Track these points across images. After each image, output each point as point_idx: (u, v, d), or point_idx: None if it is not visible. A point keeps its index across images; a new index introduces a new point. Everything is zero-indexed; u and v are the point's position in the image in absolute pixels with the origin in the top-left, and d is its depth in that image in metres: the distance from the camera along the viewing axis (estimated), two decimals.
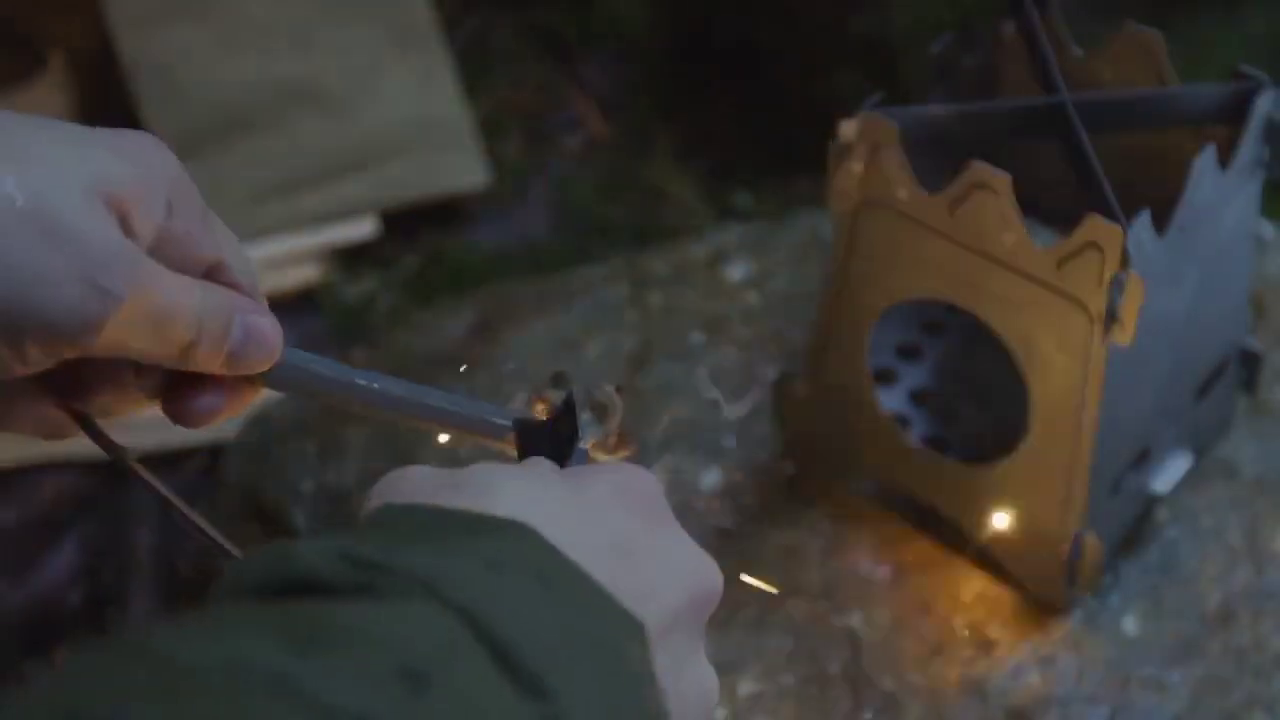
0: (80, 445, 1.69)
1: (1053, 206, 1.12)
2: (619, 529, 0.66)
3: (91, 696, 0.49)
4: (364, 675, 0.51)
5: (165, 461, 1.72)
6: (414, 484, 0.67)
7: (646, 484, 0.71)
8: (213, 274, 0.73)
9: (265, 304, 0.77)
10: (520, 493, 0.65)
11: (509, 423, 0.77)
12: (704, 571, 0.69)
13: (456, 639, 0.55)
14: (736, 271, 1.44)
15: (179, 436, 1.72)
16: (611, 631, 0.61)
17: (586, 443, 0.80)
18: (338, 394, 0.78)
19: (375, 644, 0.52)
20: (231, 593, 0.57)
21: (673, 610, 0.66)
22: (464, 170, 2.05)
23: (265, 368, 0.75)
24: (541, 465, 0.70)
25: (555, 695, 0.55)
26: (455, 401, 0.79)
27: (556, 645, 0.57)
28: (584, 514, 0.66)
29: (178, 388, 0.76)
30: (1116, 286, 0.97)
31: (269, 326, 0.75)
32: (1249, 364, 1.20)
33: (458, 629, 0.55)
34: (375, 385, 0.78)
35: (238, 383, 0.76)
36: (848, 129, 1.05)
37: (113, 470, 1.69)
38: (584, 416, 0.80)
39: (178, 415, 0.76)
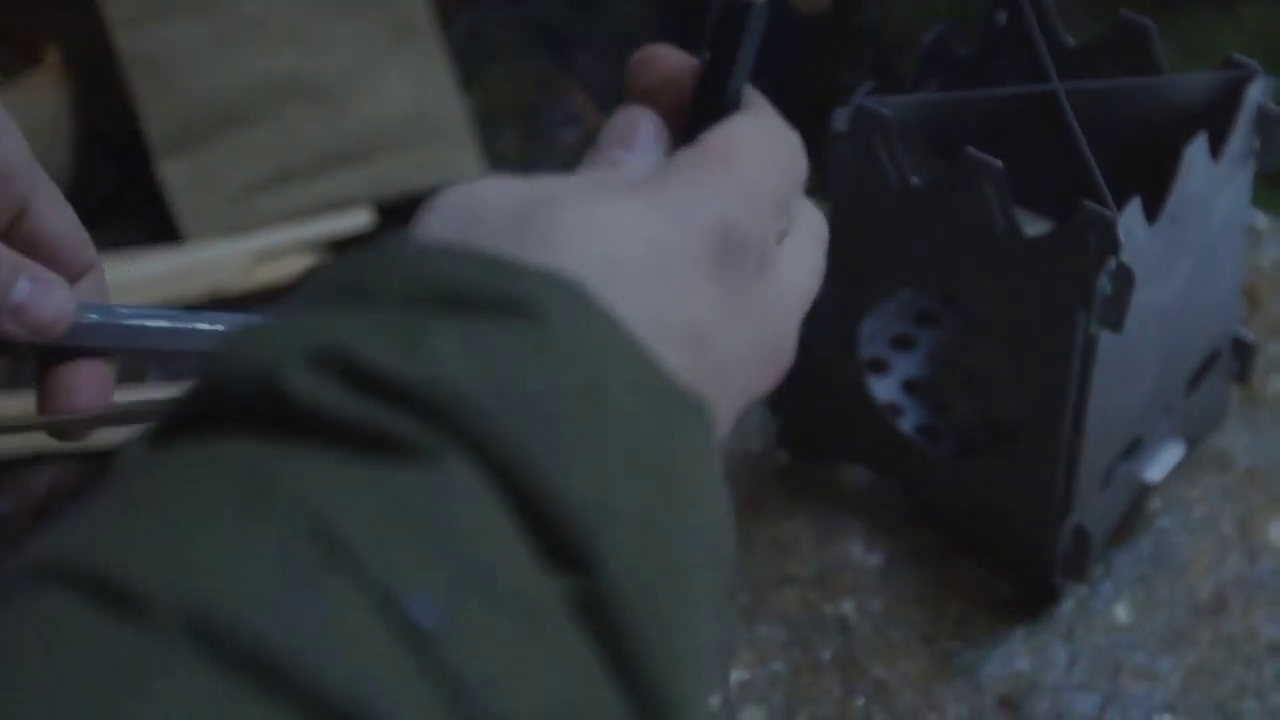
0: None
1: (1044, 196, 1.12)
2: (704, 305, 0.54)
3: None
4: (361, 618, 0.41)
5: None
6: (482, 211, 0.53)
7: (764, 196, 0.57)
8: (13, 229, 0.72)
9: (99, 274, 0.75)
10: (593, 248, 0.52)
11: None
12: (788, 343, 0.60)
13: (486, 519, 0.44)
14: None
15: None
16: (672, 443, 0.49)
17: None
18: (166, 344, 0.74)
19: (366, 575, 0.42)
20: (198, 404, 0.47)
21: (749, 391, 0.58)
22: (458, 164, 2.04)
23: (59, 327, 0.72)
24: (636, 206, 0.54)
25: (598, 565, 0.45)
26: None
27: (606, 487, 0.46)
28: (669, 280, 0.53)
29: (49, 371, 0.74)
30: (1107, 275, 0.97)
31: (56, 284, 0.72)
32: (1242, 354, 1.20)
33: (488, 499, 0.44)
34: (218, 327, 0.73)
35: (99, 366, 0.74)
36: (840, 118, 1.06)
37: (106, 464, 1.70)
38: None
39: (46, 401, 0.74)
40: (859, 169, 1.06)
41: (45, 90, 1.87)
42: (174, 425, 0.47)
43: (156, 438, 0.47)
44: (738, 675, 1.08)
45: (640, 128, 0.62)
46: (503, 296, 0.48)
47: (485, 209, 0.53)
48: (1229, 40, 2.33)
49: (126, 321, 0.74)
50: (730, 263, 0.55)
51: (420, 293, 0.48)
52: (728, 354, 0.55)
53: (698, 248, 0.54)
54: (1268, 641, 1.09)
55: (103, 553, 0.42)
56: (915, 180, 1.04)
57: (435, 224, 0.54)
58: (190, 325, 0.75)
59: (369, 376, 0.45)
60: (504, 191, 0.54)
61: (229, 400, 0.46)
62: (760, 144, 0.59)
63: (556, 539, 0.45)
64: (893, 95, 1.07)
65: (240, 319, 0.73)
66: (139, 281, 1.82)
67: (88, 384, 0.76)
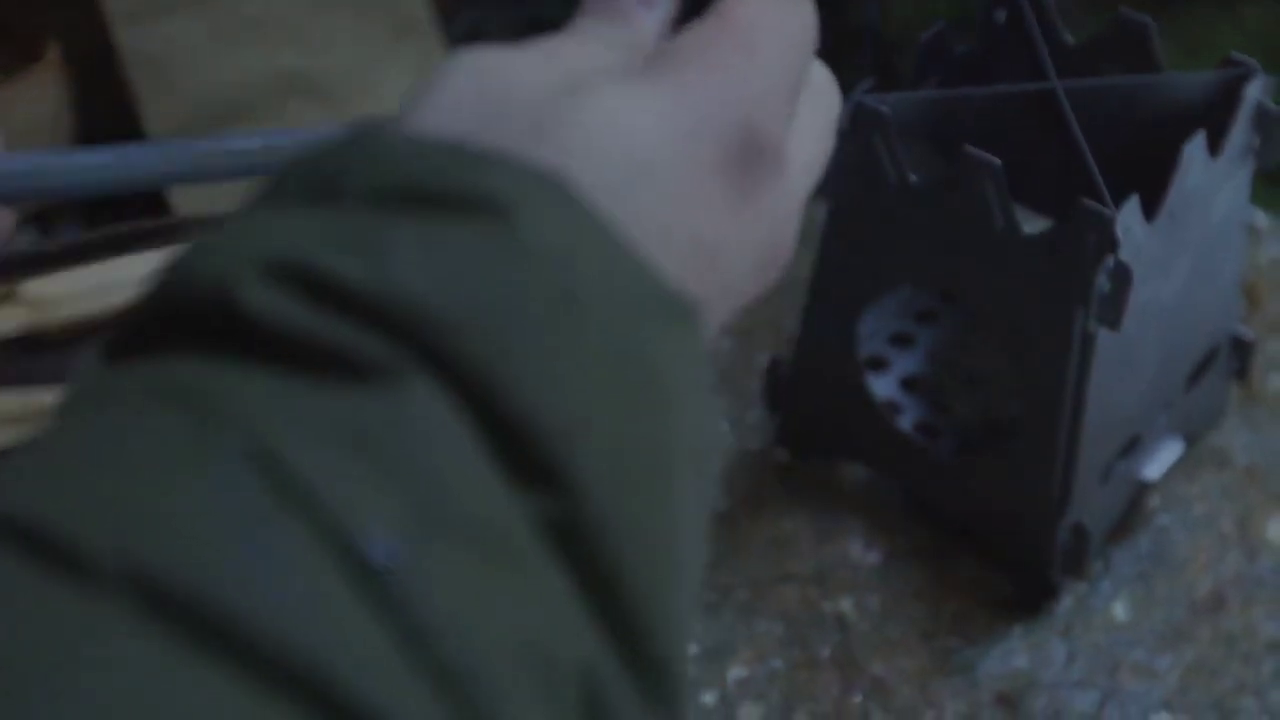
0: None
1: (1043, 193, 1.12)
2: (718, 215, 0.51)
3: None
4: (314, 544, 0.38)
5: None
6: (505, 102, 0.49)
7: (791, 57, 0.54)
8: None
9: None
10: (613, 152, 0.48)
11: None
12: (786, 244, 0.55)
13: (451, 444, 0.40)
14: None
15: None
16: (655, 352, 0.45)
17: None
18: (80, 187, 0.67)
19: (315, 504, 0.38)
20: (151, 317, 0.43)
21: (747, 295, 0.54)
22: None
23: None
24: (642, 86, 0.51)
25: (573, 487, 0.41)
26: (267, 139, 0.62)
27: (581, 402, 0.42)
28: (686, 188, 0.50)
29: None
30: (1105, 273, 0.97)
31: None
32: (1241, 352, 1.20)
33: (453, 421, 0.40)
34: (135, 159, 0.65)
35: None
36: (839, 116, 1.05)
37: None
38: None
39: None
40: (858, 166, 1.06)
41: (45, 88, 1.87)
42: (126, 338, 0.43)
43: (110, 354, 0.43)
44: (736, 672, 1.08)
45: None
46: (471, 192, 0.43)
47: (508, 100, 0.49)
48: (1229, 38, 2.33)
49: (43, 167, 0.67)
50: (749, 167, 0.52)
51: (387, 189, 0.43)
52: (733, 263, 0.52)
53: (721, 152, 0.51)
54: (1266, 639, 1.09)
55: (38, 501, 0.39)
56: (914, 178, 1.04)
57: (448, 105, 0.49)
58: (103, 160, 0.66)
59: (327, 288, 0.41)
60: (529, 80, 0.50)
61: (180, 313, 0.42)
62: (780, 19, 0.55)
63: (527, 460, 0.41)
64: (891, 93, 1.07)
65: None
66: (139, 280, 1.83)
67: None
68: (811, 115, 0.57)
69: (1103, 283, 0.98)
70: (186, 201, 1.91)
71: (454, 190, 0.43)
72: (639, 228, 0.47)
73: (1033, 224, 1.15)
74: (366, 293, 0.41)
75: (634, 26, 0.56)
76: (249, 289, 0.40)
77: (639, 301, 0.45)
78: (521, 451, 0.41)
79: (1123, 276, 0.97)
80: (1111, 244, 0.96)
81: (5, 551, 0.37)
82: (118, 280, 1.81)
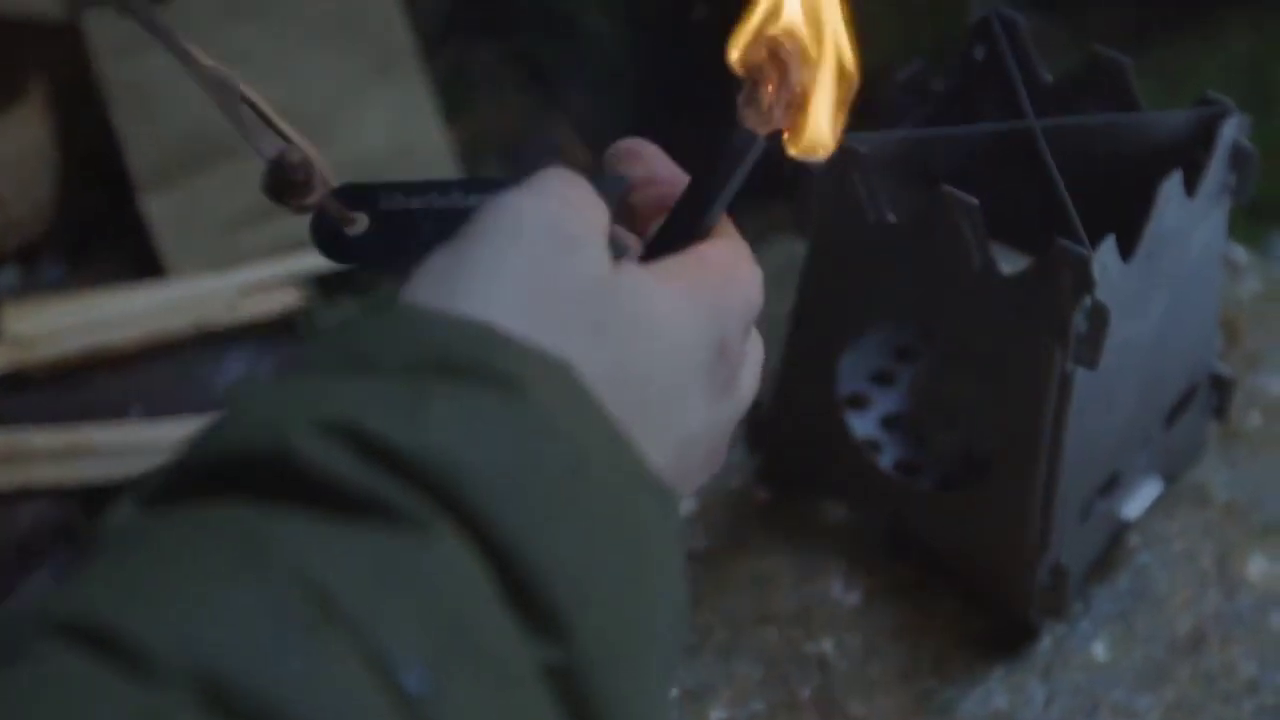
0: (58, 473, 1.69)
1: (1022, 230, 1.12)
2: (696, 414, 0.59)
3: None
4: (348, 675, 0.44)
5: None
6: (505, 266, 0.55)
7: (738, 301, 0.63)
8: None
9: None
10: (601, 345, 0.55)
11: None
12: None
13: (473, 588, 0.47)
14: None
15: (157, 464, 1.72)
16: (653, 533, 0.53)
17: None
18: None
19: (358, 634, 0.44)
20: (203, 465, 0.48)
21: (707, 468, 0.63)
22: None
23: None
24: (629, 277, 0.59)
25: (572, 637, 0.48)
26: None
27: (584, 565, 0.49)
28: (679, 392, 0.58)
29: None
30: (1082, 312, 0.97)
31: None
32: (1220, 389, 1.20)
33: (475, 568, 0.47)
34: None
35: None
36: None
37: (89, 500, 1.70)
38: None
39: None
40: (836, 205, 1.07)
41: (30, 123, 1.87)
42: (172, 481, 0.49)
43: (153, 493, 0.49)
44: (716, 714, 1.08)
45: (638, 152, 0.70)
46: (497, 372, 0.51)
47: (564, 293, 0.56)
48: (1209, 69, 2.34)
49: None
50: (720, 374, 0.61)
51: (425, 361, 0.50)
52: (695, 455, 0.61)
53: (705, 360, 0.60)
54: (1246, 678, 1.09)
55: (107, 610, 0.43)
56: (892, 217, 1.04)
57: (502, 284, 0.55)
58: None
59: (374, 447, 0.47)
60: (584, 274, 0.57)
61: (234, 461, 0.48)
62: (749, 269, 0.65)
63: (536, 609, 0.48)
64: (870, 131, 1.07)
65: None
66: (122, 316, 1.82)
67: None
68: (754, 352, 0.67)
69: (1080, 322, 0.98)
70: (170, 239, 1.91)
71: (483, 369, 0.51)
72: (641, 418, 0.55)
73: (1011, 260, 1.15)
74: (406, 453, 0.47)
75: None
76: (308, 444, 0.47)
77: (633, 481, 0.53)
78: (532, 600, 0.48)
79: (1100, 316, 0.97)
80: (1088, 284, 0.96)
81: (77, 652, 0.42)
82: (102, 318, 1.81)
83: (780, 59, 0.67)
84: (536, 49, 2.30)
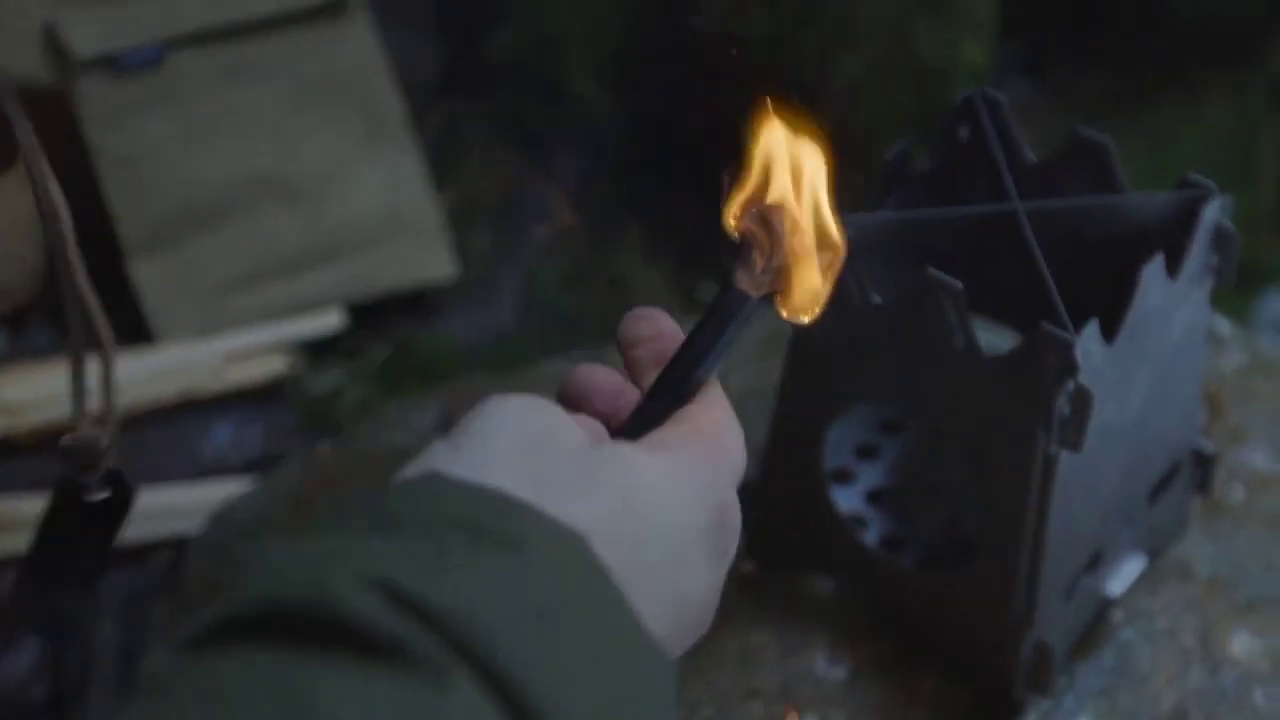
0: None
1: (1005, 307, 1.13)
2: (693, 577, 0.64)
3: None
4: None
5: (129, 557, 1.72)
6: (503, 441, 0.61)
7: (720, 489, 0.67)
8: None
9: None
10: (595, 504, 0.61)
11: None
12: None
13: None
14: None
15: (143, 531, 1.72)
16: (650, 691, 0.58)
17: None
18: None
19: None
20: (245, 613, 0.53)
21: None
22: (433, 262, 2.06)
23: None
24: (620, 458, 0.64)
25: None
26: None
27: (587, 713, 0.55)
28: (678, 556, 0.64)
29: None
30: (1066, 395, 0.98)
31: None
32: (1202, 465, 1.21)
33: (491, 709, 0.52)
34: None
35: None
36: None
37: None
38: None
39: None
40: None
41: (19, 193, 1.88)
42: (210, 628, 0.52)
43: (191, 640, 0.52)
44: None
45: (607, 384, 0.71)
46: (513, 535, 0.56)
47: (552, 454, 0.62)
48: (1190, 136, 2.35)
49: None
50: (720, 539, 0.65)
51: (449, 523, 0.56)
52: (689, 616, 0.65)
53: (705, 526, 0.65)
54: None
55: None
56: (877, 298, 1.05)
57: (498, 452, 0.61)
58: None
59: (405, 600, 0.52)
60: (565, 437, 0.63)
61: (275, 608, 0.52)
62: (735, 433, 0.69)
63: None
64: (854, 213, 1.08)
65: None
66: (109, 386, 1.83)
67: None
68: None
69: (1063, 405, 0.98)
70: (158, 306, 1.92)
71: (499, 531, 0.56)
72: (641, 582, 0.60)
73: (996, 334, 1.16)
74: (433, 607, 0.53)
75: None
76: (348, 595, 0.52)
77: (634, 643, 0.58)
78: None
79: (1083, 400, 0.98)
80: (1072, 368, 0.97)
81: None
82: (90, 385, 1.82)
83: (772, 227, 0.71)
84: (525, 114, 2.31)
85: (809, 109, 0.77)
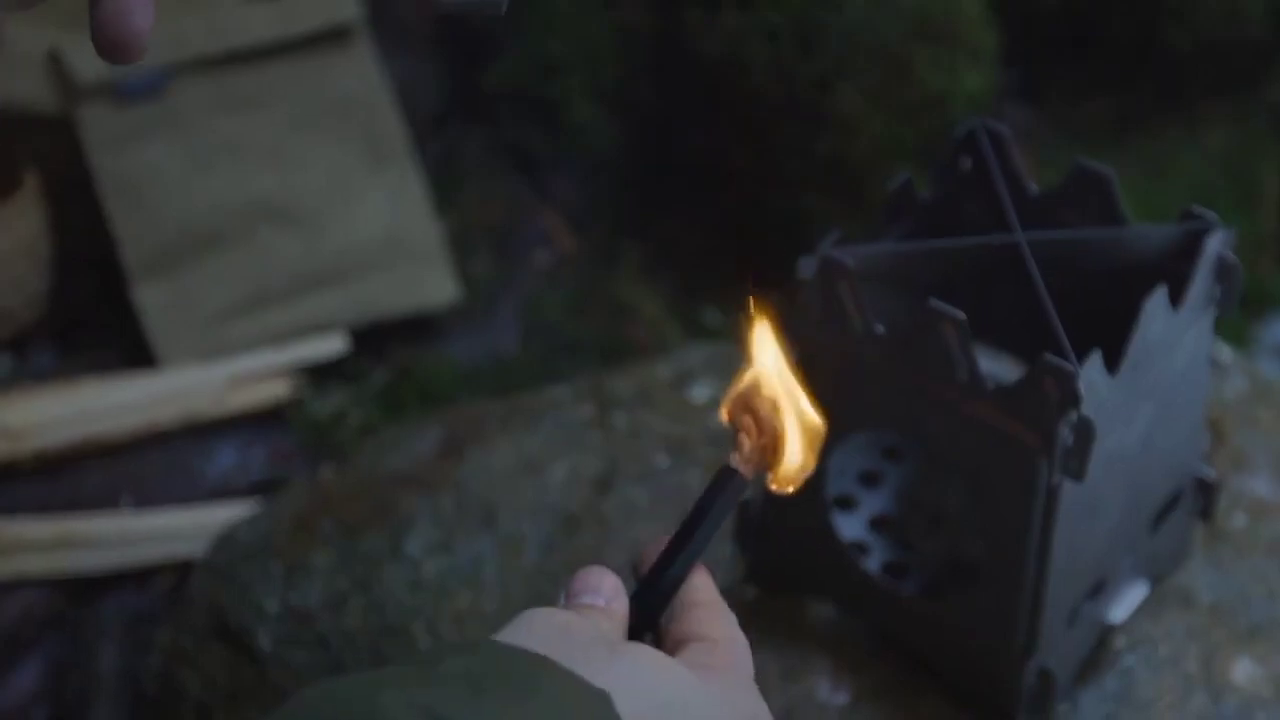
0: (47, 563, 1.70)
1: (1007, 335, 1.14)
2: None
3: None
4: None
5: (132, 580, 1.72)
6: (540, 635, 0.72)
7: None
8: None
9: None
10: (622, 671, 0.71)
11: None
12: None
13: None
14: (701, 392, 1.46)
15: (146, 554, 1.73)
16: None
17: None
18: None
19: None
20: None
21: None
22: (434, 287, 2.06)
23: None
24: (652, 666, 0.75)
25: None
26: None
27: None
28: None
29: None
30: (1069, 427, 0.99)
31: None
32: (1205, 492, 1.21)
33: None
34: None
35: None
36: (805, 267, 1.07)
37: (78, 590, 1.70)
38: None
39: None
40: (824, 315, 1.08)
41: (23, 215, 1.88)
42: None
43: None
44: None
45: (606, 581, 0.81)
46: (538, 683, 0.66)
47: (576, 643, 0.72)
48: (1190, 160, 2.36)
49: None
50: None
51: (490, 670, 0.66)
52: None
53: None
54: None
55: None
56: (879, 327, 1.06)
57: (539, 635, 0.71)
58: None
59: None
60: (587, 633, 0.74)
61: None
62: (743, 645, 0.81)
63: None
64: (857, 244, 1.08)
65: None
66: (114, 407, 1.83)
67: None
68: None
69: (1066, 436, 0.99)
70: (161, 330, 1.92)
71: (529, 676, 0.66)
72: None
73: (998, 362, 1.17)
74: None
75: (596, 612, 0.79)
76: (399, 714, 0.61)
77: None
78: None
79: (1086, 430, 0.98)
80: (1074, 399, 0.97)
81: None
82: (92, 409, 1.82)
83: (756, 413, 0.84)
84: (525, 138, 2.32)
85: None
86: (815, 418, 0.86)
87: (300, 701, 0.62)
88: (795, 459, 0.85)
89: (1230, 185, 2.30)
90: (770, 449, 0.84)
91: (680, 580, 0.82)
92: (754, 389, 0.85)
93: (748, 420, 0.84)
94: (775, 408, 0.84)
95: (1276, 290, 2.15)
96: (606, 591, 0.82)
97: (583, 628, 0.73)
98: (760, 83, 2.03)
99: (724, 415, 0.85)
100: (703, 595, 0.83)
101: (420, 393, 1.99)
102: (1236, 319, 2.04)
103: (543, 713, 0.64)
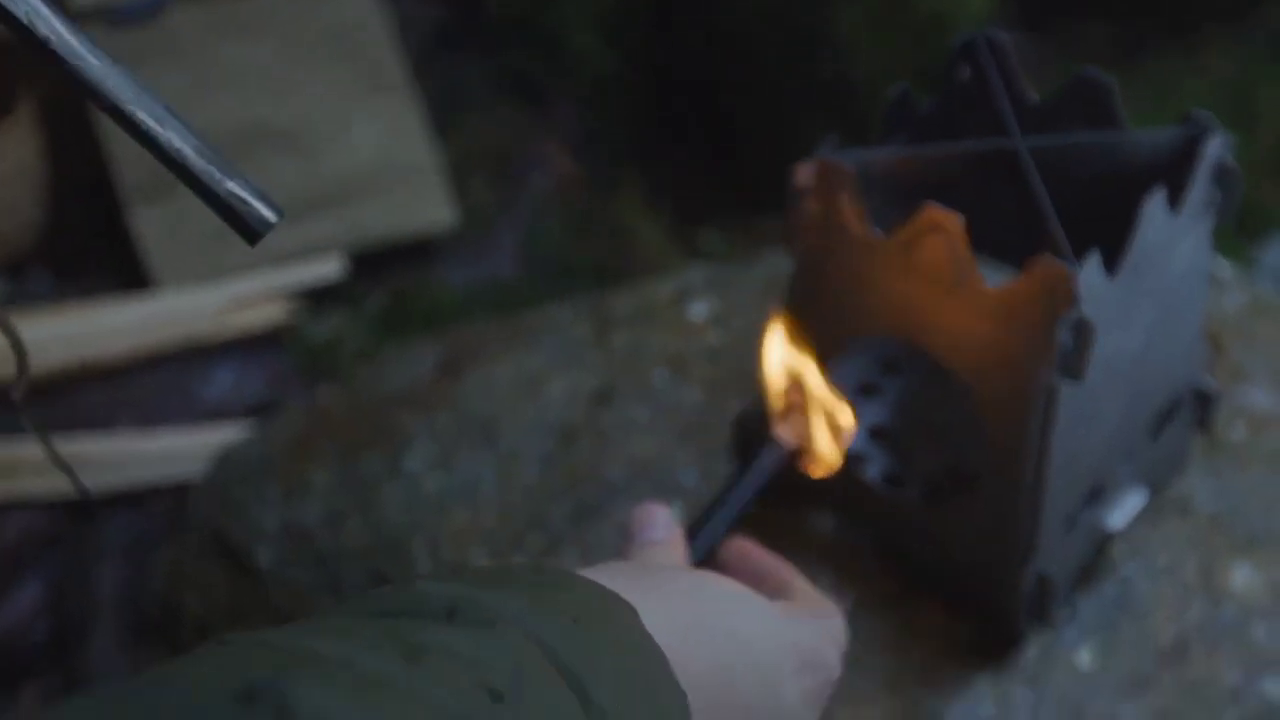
0: (46, 484, 1.70)
1: (1007, 245, 1.13)
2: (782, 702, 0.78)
3: (250, 673, 0.54)
4: (454, 685, 0.58)
5: (131, 501, 1.72)
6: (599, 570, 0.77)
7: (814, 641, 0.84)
8: None
9: None
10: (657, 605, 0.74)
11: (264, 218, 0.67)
12: None
13: (529, 661, 0.61)
14: (700, 310, 1.46)
15: (144, 476, 1.73)
16: (670, 711, 0.68)
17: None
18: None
19: (462, 661, 0.59)
20: (353, 611, 0.65)
21: None
22: (431, 211, 2.06)
23: None
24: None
25: None
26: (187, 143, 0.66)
27: (621, 691, 0.64)
28: (773, 680, 0.78)
29: None
30: (1068, 327, 0.98)
31: None
32: (1203, 403, 1.21)
33: (533, 653, 0.62)
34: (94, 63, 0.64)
35: None
36: (804, 172, 1.07)
37: (78, 510, 1.70)
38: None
39: None
40: (822, 221, 1.08)
41: (19, 140, 1.88)
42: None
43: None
44: None
45: (658, 514, 0.91)
46: (599, 600, 0.70)
47: (646, 572, 0.80)
48: (1193, 86, 2.35)
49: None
50: (806, 672, 0.81)
51: (556, 585, 0.70)
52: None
53: (794, 661, 0.80)
54: (1230, 687, 1.10)
55: None
56: (877, 232, 1.05)
57: (613, 571, 0.77)
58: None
59: (490, 608, 0.66)
60: (655, 564, 0.84)
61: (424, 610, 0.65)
62: (832, 607, 0.92)
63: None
64: (855, 148, 1.08)
65: None
66: (111, 330, 1.83)
67: None
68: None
69: (1065, 337, 0.99)
70: (158, 253, 1.92)
71: (553, 584, 0.69)
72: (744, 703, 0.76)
73: (996, 274, 1.16)
74: (494, 610, 0.64)
75: (655, 547, 0.89)
76: (431, 592, 0.65)
77: (642, 644, 0.69)
78: (580, 691, 0.63)
79: (1085, 331, 0.98)
80: (1073, 299, 0.97)
81: (378, 690, 0.55)
82: (90, 331, 1.82)
83: (800, 403, 1.00)
84: (525, 66, 2.31)
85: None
86: (842, 411, 1.00)
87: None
88: (827, 447, 1.00)
89: (1231, 110, 2.29)
90: (809, 433, 0.99)
91: (731, 520, 0.96)
92: (802, 382, 1.00)
93: (792, 410, 1.00)
94: (812, 399, 1.00)
95: (1276, 213, 2.15)
96: (661, 524, 0.90)
97: (645, 559, 0.82)
98: (759, 6, 2.02)
99: (773, 406, 1.01)
100: (755, 551, 0.96)
101: (418, 316, 1.99)
102: (1236, 241, 2.04)
103: (566, 601, 0.67)
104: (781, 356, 1.03)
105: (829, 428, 1.00)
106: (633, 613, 0.70)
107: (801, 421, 1.00)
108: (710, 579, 0.80)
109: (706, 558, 0.94)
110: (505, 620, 0.64)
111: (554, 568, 0.72)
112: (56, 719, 0.52)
